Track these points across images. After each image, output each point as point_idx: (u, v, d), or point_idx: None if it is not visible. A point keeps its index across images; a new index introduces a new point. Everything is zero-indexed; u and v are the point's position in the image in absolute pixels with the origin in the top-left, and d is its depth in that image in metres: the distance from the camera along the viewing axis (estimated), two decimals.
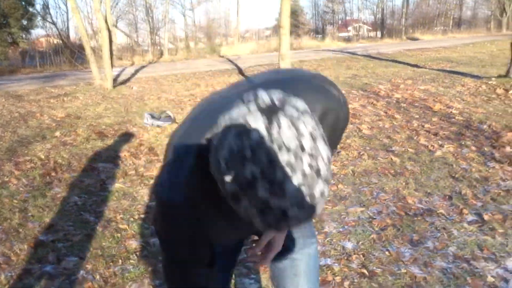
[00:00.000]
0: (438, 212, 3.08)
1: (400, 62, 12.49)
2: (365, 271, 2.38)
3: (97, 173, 4.15)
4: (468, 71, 9.75)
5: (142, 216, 3.17)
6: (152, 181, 3.89)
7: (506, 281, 2.24)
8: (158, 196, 0.92)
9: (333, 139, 1.04)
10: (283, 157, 0.61)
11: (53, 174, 4.15)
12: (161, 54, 25.19)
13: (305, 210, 0.64)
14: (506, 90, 7.30)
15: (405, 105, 6.75)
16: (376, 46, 22.34)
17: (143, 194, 3.61)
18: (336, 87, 1.06)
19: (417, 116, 5.97)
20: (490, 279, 2.26)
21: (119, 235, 2.88)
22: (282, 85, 0.85)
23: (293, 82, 0.98)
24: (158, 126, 5.90)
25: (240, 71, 12.70)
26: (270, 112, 0.63)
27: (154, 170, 4.17)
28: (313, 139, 0.64)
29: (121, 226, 3.01)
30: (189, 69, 14.19)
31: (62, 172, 4.20)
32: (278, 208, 0.63)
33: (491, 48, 15.22)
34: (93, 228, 2.99)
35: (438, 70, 10.46)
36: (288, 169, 0.61)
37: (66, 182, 3.93)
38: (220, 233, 0.99)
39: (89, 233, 2.92)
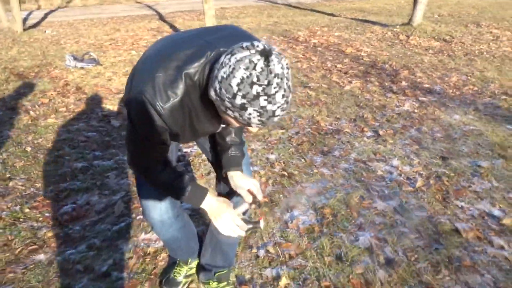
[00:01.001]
0: (344, 131, 3.68)
1: (317, 11, 13.06)
2: (285, 173, 2.89)
3: (25, 110, 4.14)
4: (377, 20, 10.60)
5: (83, 144, 3.35)
6: (84, 117, 4.01)
7: (391, 173, 2.89)
8: (150, 100, 1.17)
9: None
10: (275, 80, 1.01)
11: None
12: None
13: (284, 110, 1.07)
14: (407, 36, 8.21)
15: (321, 49, 7.33)
16: None
17: (79, 127, 3.74)
18: None
19: (331, 58, 6.58)
20: (379, 173, 2.90)
21: (62, 159, 3.07)
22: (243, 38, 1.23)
23: (246, 37, 1.34)
24: (81, 67, 5.82)
25: (161, 17, 12.38)
26: (266, 54, 1.01)
27: (86, 107, 4.27)
28: (288, 68, 1.06)
29: (62, 152, 3.18)
30: (104, 14, 13.45)
31: None
32: (271, 110, 1.04)
33: (399, 0, 16.39)
34: (34, 156, 3.13)
35: (351, 19, 11.20)
36: (277, 87, 1.01)
37: None
38: (182, 137, 1.35)
39: (31, 160, 3.07)
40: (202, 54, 1.17)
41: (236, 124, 1.17)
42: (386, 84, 5.14)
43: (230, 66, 1.02)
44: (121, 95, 4.70)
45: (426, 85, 5.08)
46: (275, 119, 1.08)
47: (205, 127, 1.33)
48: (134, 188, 2.63)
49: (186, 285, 1.86)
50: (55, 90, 4.80)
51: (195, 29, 1.41)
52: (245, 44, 1.04)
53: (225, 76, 1.02)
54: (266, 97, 1.01)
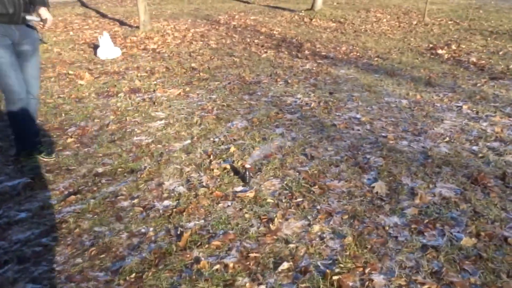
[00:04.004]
0: (263, 81, 4.99)
1: None
2: (224, 104, 4.12)
3: None
4: (286, 7, 12.17)
5: (78, 98, 4.25)
6: (53, 79, 4.83)
7: (295, 102, 4.25)
8: None
9: None
10: None
11: None
12: None
13: None
14: (311, 19, 9.82)
15: (240, 29, 8.60)
16: None
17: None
18: None
19: (249, 36, 7.89)
20: (288, 102, 4.24)
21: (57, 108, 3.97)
22: None
23: None
24: None
25: (83, 4, 12.75)
26: None
27: (51, 74, 5.07)
28: None
29: (60, 101, 4.08)
30: None
31: None
32: None
33: None
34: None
35: (264, 5, 12.65)
36: None
37: None
38: None
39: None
40: None
41: None
42: (293, 52, 6.58)
43: None
44: (76, 64, 5.53)
45: (323, 53, 6.61)
46: None
47: None
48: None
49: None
50: None
51: None
52: None
53: None
54: None
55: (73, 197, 2.50)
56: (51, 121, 3.62)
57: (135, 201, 2.48)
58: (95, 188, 2.61)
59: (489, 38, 7.77)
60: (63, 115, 3.77)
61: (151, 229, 2.22)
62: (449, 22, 9.81)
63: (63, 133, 3.41)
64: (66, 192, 2.57)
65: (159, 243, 2.11)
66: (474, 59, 6.19)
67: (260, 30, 8.48)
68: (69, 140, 3.27)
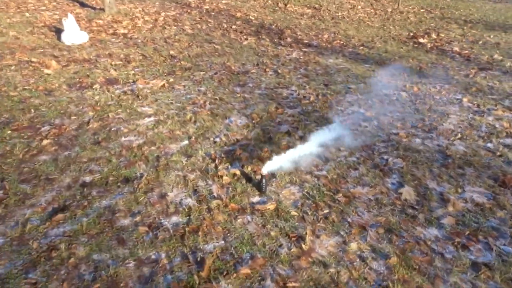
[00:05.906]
0: (251, 71, 4.63)
1: None
2: (216, 97, 3.74)
3: None
4: None
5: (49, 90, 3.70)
6: (13, 68, 4.23)
7: (292, 94, 3.95)
8: None
9: None
10: None
11: None
12: None
13: None
14: (285, 4, 9.47)
15: (214, 13, 8.12)
16: None
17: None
18: None
19: (225, 21, 7.44)
20: (284, 94, 3.93)
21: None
22: None
23: None
24: None
25: None
26: None
27: (11, 61, 4.45)
28: None
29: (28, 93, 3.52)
30: None
31: None
32: None
33: None
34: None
35: None
36: None
37: None
38: None
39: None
40: None
41: None
42: (275, 40, 6.23)
43: None
44: (38, 50, 4.91)
45: (306, 41, 6.32)
46: None
47: None
48: None
49: None
50: None
51: None
52: None
53: None
54: None
55: (60, 215, 2.08)
56: (19, 119, 3.11)
57: (137, 218, 2.10)
58: (85, 203, 2.19)
59: (465, 27, 7.79)
60: (32, 111, 3.25)
61: (163, 254, 1.87)
62: (421, 10, 9.81)
63: (35, 133, 2.92)
64: (50, 209, 2.15)
65: (176, 274, 1.76)
66: (457, 49, 6.14)
67: (235, 15, 8.04)
68: (45, 141, 2.79)
